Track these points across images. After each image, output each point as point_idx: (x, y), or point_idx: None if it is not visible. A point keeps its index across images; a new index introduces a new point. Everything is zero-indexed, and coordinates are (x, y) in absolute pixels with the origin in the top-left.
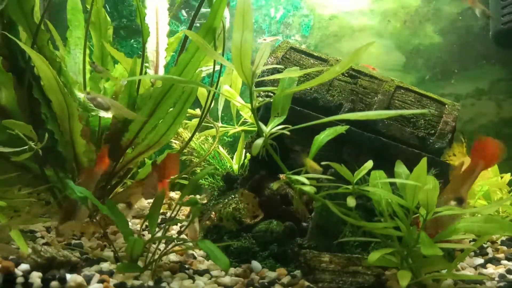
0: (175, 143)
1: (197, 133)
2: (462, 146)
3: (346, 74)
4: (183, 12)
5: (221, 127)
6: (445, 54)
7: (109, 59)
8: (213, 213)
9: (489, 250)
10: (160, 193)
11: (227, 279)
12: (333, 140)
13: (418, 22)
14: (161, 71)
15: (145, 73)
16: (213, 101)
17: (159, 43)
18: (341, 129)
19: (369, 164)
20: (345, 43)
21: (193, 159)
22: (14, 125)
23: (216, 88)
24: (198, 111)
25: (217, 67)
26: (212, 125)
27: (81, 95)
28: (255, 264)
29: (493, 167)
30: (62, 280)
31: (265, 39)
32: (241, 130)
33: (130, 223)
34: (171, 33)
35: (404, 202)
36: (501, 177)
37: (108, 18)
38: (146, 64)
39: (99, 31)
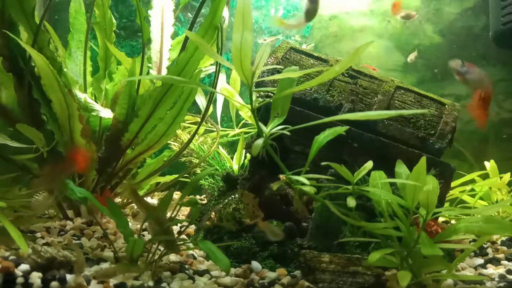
0: (174, 145)
1: (197, 136)
2: None
3: (346, 74)
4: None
5: (221, 130)
6: (445, 54)
7: (113, 60)
8: (213, 213)
9: (489, 250)
10: (168, 193)
11: (227, 280)
12: (333, 140)
13: (418, 23)
14: (164, 72)
15: (147, 73)
16: (212, 104)
17: (163, 43)
18: (341, 129)
19: (369, 164)
20: (345, 44)
21: (192, 160)
22: (24, 129)
23: (215, 89)
24: (198, 118)
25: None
26: (212, 127)
27: (81, 96)
28: (255, 264)
29: (493, 167)
30: (62, 281)
31: (265, 39)
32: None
33: (130, 223)
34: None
35: (404, 202)
36: (501, 178)
37: (114, 20)
38: (149, 65)
39: (104, 32)
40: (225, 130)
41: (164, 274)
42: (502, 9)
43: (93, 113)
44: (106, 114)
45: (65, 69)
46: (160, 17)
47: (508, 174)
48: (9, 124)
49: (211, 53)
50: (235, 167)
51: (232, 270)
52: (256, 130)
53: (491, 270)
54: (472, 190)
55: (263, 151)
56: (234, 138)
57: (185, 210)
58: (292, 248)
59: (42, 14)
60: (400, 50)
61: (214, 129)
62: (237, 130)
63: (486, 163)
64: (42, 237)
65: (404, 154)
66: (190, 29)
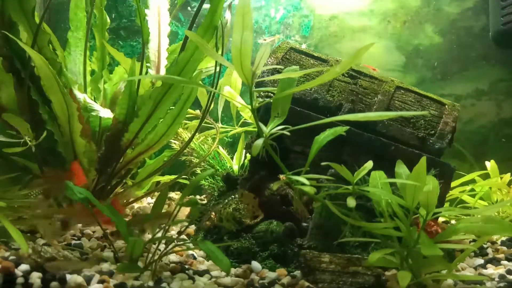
0: (174, 143)
1: (197, 134)
2: None
3: (346, 75)
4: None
5: (221, 127)
6: (445, 55)
7: (107, 60)
8: (213, 213)
9: (489, 250)
10: (162, 193)
11: (227, 280)
12: (333, 140)
13: (418, 23)
14: (163, 72)
15: (146, 73)
16: (213, 102)
17: (160, 43)
18: (341, 129)
19: (369, 164)
20: (345, 44)
21: (192, 160)
22: (11, 119)
23: (216, 89)
24: (198, 112)
25: (218, 68)
26: (212, 125)
27: (81, 96)
28: (255, 264)
29: (493, 167)
30: (62, 281)
31: (265, 39)
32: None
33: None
34: (171, 34)
35: (404, 203)
36: (501, 178)
37: (108, 20)
38: (148, 64)
39: (101, 33)
40: (225, 128)
41: (164, 274)
42: (502, 9)
43: (93, 113)
44: (106, 114)
45: (64, 69)
46: (157, 16)
47: (508, 174)
48: (8, 125)
49: (211, 53)
50: (235, 167)
51: (232, 270)
52: (256, 128)
53: (491, 270)
54: (472, 190)
55: (263, 151)
56: (235, 136)
57: (185, 210)
58: (292, 248)
59: (42, 14)
60: (400, 50)
61: (213, 126)
62: (237, 129)
63: (487, 163)
64: (42, 237)
65: (404, 154)
66: (190, 29)
